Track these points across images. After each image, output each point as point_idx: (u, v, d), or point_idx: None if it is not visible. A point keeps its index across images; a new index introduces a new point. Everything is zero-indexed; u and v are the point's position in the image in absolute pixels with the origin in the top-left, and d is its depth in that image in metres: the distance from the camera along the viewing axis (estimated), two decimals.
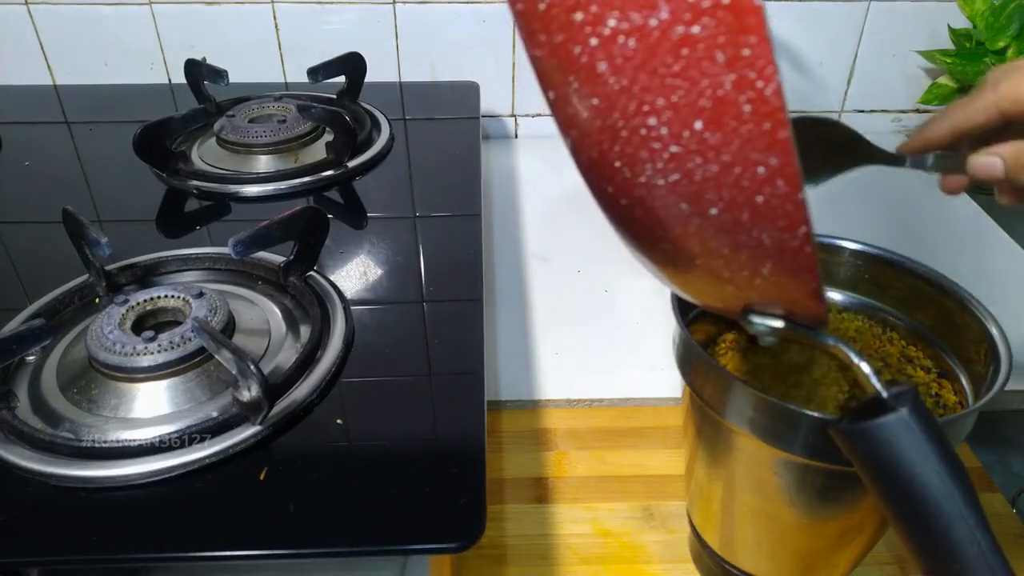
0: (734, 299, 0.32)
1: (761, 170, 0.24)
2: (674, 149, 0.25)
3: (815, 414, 0.34)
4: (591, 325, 0.67)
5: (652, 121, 0.24)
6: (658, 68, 0.23)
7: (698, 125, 0.24)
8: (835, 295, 0.47)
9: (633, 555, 0.50)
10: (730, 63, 0.22)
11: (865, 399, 0.31)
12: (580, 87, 0.25)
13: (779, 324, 0.32)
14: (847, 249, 0.45)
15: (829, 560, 0.42)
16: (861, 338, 0.45)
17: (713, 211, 0.26)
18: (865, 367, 0.31)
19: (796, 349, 0.43)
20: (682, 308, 0.41)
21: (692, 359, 0.39)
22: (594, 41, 0.23)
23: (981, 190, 0.88)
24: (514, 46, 0.92)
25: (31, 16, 0.89)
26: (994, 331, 0.39)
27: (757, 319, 0.32)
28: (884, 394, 0.30)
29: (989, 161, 0.38)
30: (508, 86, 0.95)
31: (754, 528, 0.42)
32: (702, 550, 0.47)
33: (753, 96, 0.22)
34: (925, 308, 0.44)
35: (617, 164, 0.26)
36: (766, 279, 0.28)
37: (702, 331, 0.46)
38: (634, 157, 0.26)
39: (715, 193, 0.25)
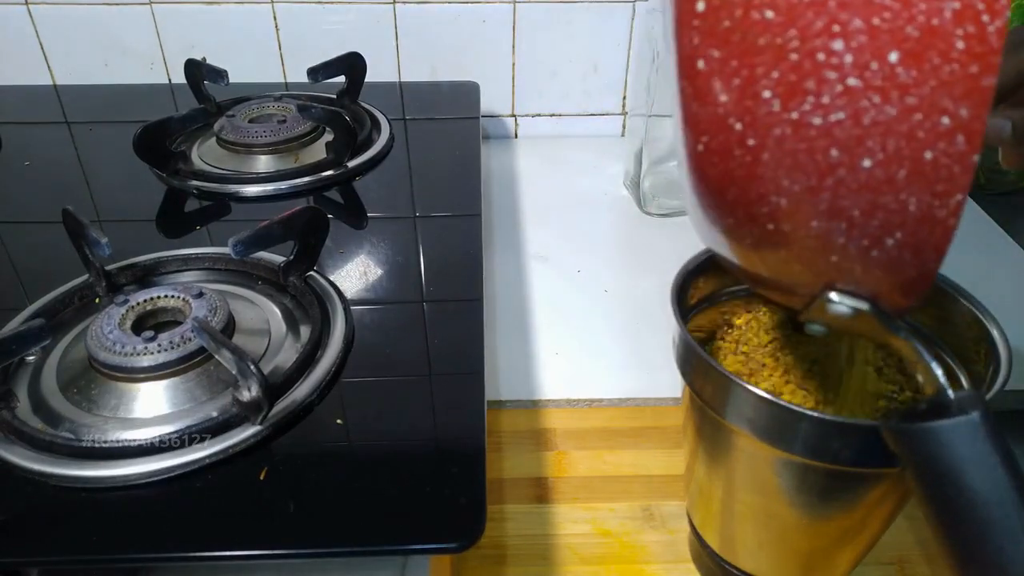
0: (822, 274, 0.28)
1: (946, 121, 0.21)
2: (852, 82, 0.21)
3: (815, 414, 0.34)
4: (591, 325, 0.67)
5: (837, 45, 0.21)
6: None
7: (893, 57, 0.20)
8: None
9: (633, 555, 0.50)
10: None
11: (921, 400, 0.30)
12: None
13: (864, 306, 0.28)
14: None
15: (829, 560, 0.42)
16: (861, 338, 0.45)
17: (867, 163, 0.22)
18: (936, 368, 0.29)
19: (800, 349, 0.44)
20: (682, 308, 0.41)
21: (692, 359, 0.39)
22: None
23: (984, 191, 0.88)
24: (514, 46, 0.92)
25: (31, 16, 0.89)
26: (994, 331, 0.39)
27: (837, 298, 0.28)
28: (951, 395, 0.28)
29: (997, 123, 0.36)
30: (508, 86, 0.95)
31: (754, 528, 0.42)
32: (702, 550, 0.47)
33: (973, 32, 0.19)
34: (925, 308, 0.44)
35: (766, 94, 0.23)
36: (886, 251, 0.25)
37: (702, 330, 0.46)
38: (795, 87, 0.22)
39: (879, 141, 0.22)
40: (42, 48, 0.91)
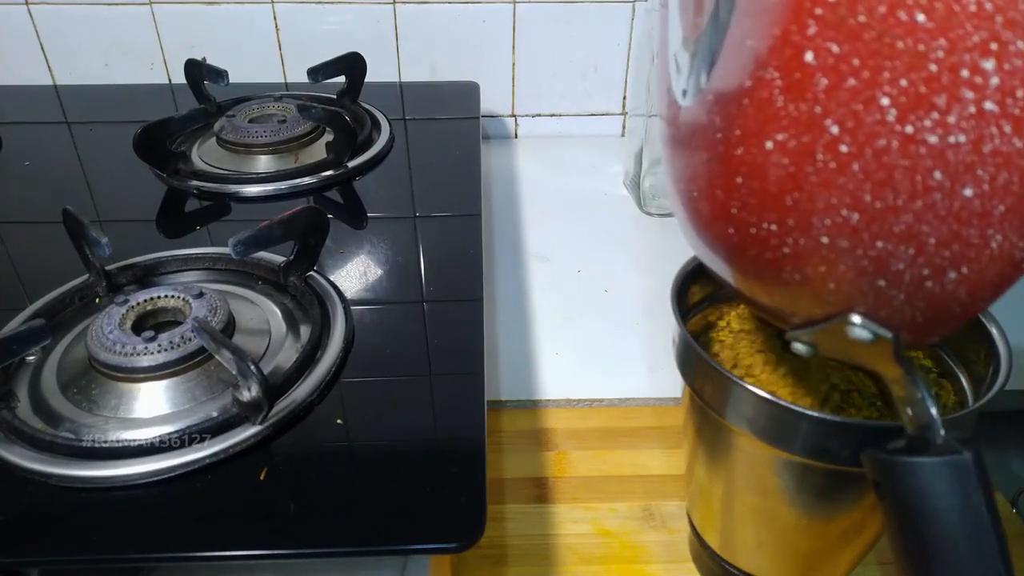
0: (854, 297, 0.26)
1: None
2: (988, 106, 0.19)
3: (815, 414, 0.34)
4: (591, 325, 0.67)
5: (988, 64, 0.19)
6: None
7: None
8: None
9: (633, 555, 0.50)
10: None
11: (909, 433, 0.29)
12: None
13: (887, 335, 0.26)
14: None
15: (829, 560, 0.42)
16: None
17: (968, 191, 0.21)
18: (932, 406, 0.28)
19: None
20: (682, 308, 0.41)
21: (692, 359, 0.39)
22: None
23: None
24: (514, 46, 0.92)
25: (31, 16, 0.89)
26: (994, 331, 0.39)
27: (860, 322, 0.26)
28: (943, 434, 0.27)
29: None
30: (508, 86, 0.95)
31: (754, 528, 0.42)
32: (702, 550, 0.47)
33: None
34: None
35: (884, 101, 0.21)
36: (943, 284, 0.23)
37: (701, 330, 0.46)
38: (922, 100, 0.20)
39: (991, 172, 0.20)
40: (42, 48, 0.91)
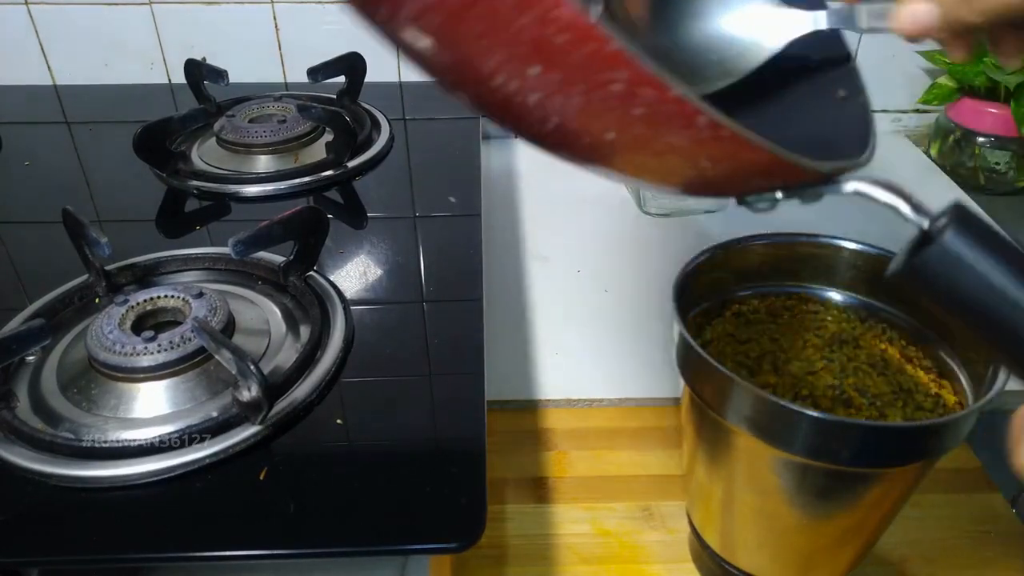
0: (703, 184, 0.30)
1: (617, 87, 0.23)
2: (533, 98, 0.24)
3: (815, 414, 0.34)
4: (591, 325, 0.67)
5: (499, 80, 0.24)
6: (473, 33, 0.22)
7: (533, 71, 0.23)
8: (835, 295, 0.47)
9: (633, 555, 0.50)
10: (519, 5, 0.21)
11: (909, 244, 0.29)
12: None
13: (779, 196, 0.30)
14: (847, 249, 0.45)
15: (829, 560, 0.42)
16: (862, 338, 0.46)
17: (610, 135, 0.25)
18: (902, 204, 0.29)
19: (789, 335, 0.44)
20: (682, 308, 0.41)
21: (692, 359, 0.39)
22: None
23: (984, 191, 0.88)
24: None
25: (31, 16, 0.89)
26: None
27: (753, 199, 0.31)
28: (925, 224, 0.28)
29: (921, 9, 0.31)
30: None
31: (754, 528, 0.42)
32: (702, 550, 0.47)
33: (559, 24, 0.21)
34: (925, 308, 0.44)
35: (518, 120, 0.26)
36: (710, 166, 0.27)
37: (701, 329, 0.46)
38: (518, 116, 0.25)
39: (597, 122, 0.25)
40: (42, 48, 0.91)
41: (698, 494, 0.45)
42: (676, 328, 0.40)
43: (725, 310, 0.47)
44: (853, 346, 0.45)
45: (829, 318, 0.47)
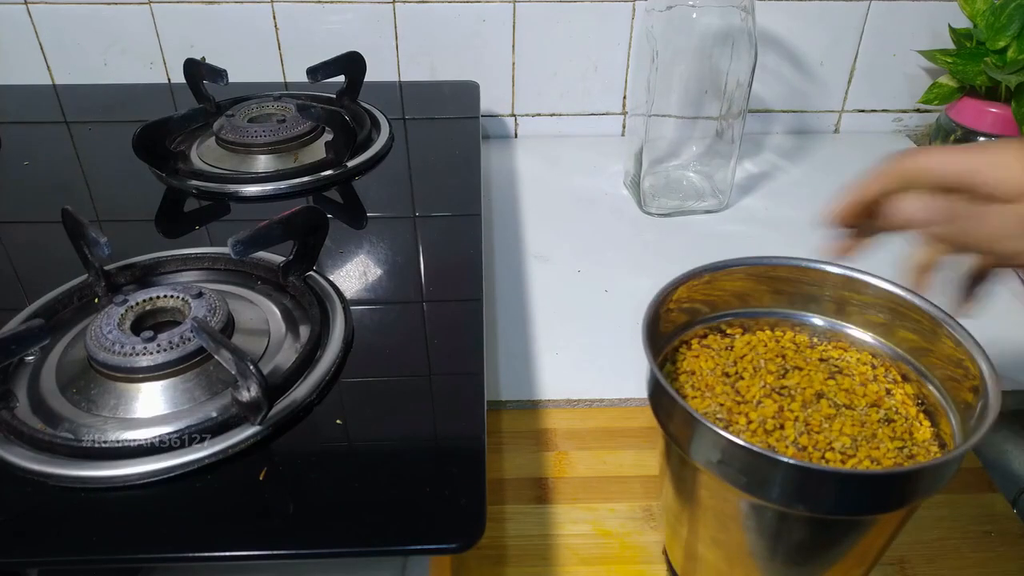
0: None
1: None
2: None
3: (790, 460, 0.33)
4: (591, 325, 0.67)
5: None
6: None
7: None
8: (818, 320, 0.46)
9: (633, 555, 0.50)
10: None
11: None
12: None
13: None
14: (834, 275, 0.45)
15: None
16: (856, 370, 0.44)
17: None
18: None
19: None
20: (653, 340, 0.40)
21: (663, 397, 0.38)
22: None
23: None
24: (514, 46, 0.92)
25: (31, 16, 0.88)
26: (983, 365, 0.37)
27: None
28: None
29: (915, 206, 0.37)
30: (508, 86, 0.95)
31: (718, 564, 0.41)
32: None
33: None
34: (914, 337, 0.43)
35: None
36: None
37: (675, 359, 0.45)
38: None
39: None
40: (42, 48, 0.91)
41: (672, 535, 0.44)
42: (647, 363, 0.39)
43: (707, 335, 0.46)
44: (840, 375, 0.44)
45: (819, 345, 0.46)
